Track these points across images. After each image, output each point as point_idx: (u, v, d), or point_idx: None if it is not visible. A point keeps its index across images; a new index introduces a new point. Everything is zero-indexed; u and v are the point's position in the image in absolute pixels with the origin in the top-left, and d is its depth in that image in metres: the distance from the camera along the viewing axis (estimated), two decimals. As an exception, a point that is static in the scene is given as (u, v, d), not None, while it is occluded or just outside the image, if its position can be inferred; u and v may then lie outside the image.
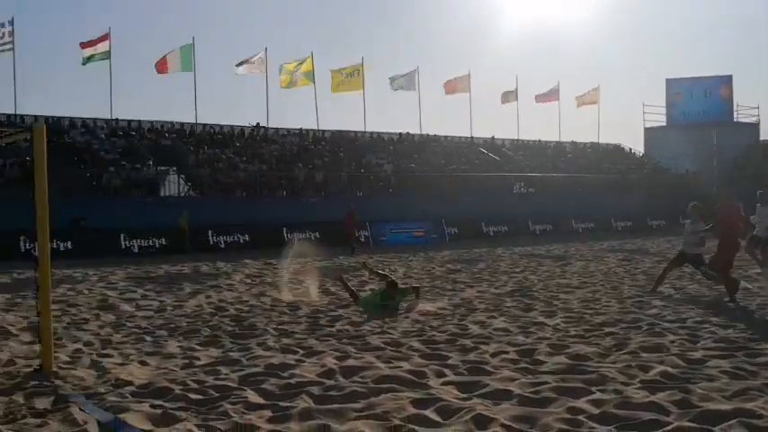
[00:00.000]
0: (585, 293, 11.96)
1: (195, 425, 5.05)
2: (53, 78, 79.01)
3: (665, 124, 49.85)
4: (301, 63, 36.69)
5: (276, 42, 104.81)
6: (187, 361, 7.20)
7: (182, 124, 33.43)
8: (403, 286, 11.36)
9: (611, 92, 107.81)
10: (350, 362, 6.95)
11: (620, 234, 31.73)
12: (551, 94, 45.02)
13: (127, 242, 23.32)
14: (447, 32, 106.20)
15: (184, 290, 13.40)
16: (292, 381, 6.20)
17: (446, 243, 27.74)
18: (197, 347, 7.94)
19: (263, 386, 6.04)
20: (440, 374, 6.41)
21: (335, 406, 5.41)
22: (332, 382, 6.14)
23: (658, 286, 12.01)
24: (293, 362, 6.98)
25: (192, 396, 5.78)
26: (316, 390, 5.88)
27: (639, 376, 6.15)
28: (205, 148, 30.62)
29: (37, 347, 6.97)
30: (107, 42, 32.29)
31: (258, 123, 35.45)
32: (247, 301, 11.71)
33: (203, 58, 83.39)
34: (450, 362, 6.90)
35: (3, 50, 30.29)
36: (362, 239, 25.94)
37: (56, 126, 28.69)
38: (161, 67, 33.66)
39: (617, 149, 47.38)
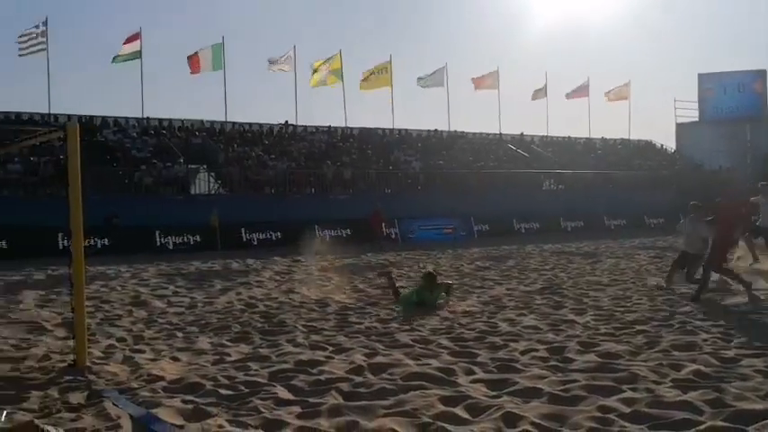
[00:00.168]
0: (616, 291, 11.85)
1: (226, 420, 5.11)
2: (86, 78, 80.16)
3: (697, 120, 49.13)
4: (330, 61, 36.79)
5: (304, 40, 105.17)
6: (218, 357, 7.27)
7: (212, 123, 33.72)
8: (440, 281, 11.30)
9: (642, 88, 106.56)
10: (378, 359, 6.97)
11: (652, 231, 31.31)
12: (581, 91, 44.62)
13: (162, 239, 23.58)
14: (476, 29, 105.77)
15: (215, 286, 13.52)
16: (321, 377, 6.24)
17: (475, 240, 27.62)
18: (227, 344, 8.01)
19: (292, 382, 6.08)
20: (469, 372, 6.40)
21: (364, 403, 5.43)
22: (361, 379, 6.17)
23: (670, 285, 11.79)
24: (322, 358, 7.02)
25: (223, 392, 5.84)
26: (345, 386, 5.91)
27: (671, 375, 6.08)
28: (235, 147, 30.84)
29: (71, 343, 7.10)
30: (138, 42, 32.65)
31: (287, 121, 35.67)
32: (276, 298, 11.78)
33: (232, 56, 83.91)
34: (479, 359, 6.89)
35: (37, 50, 30.75)
36: (385, 237, 25.88)
37: (88, 125, 29.09)
38: (194, 66, 33.94)
39: (648, 146, 46.79)
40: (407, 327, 8.85)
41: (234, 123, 34.24)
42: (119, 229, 22.79)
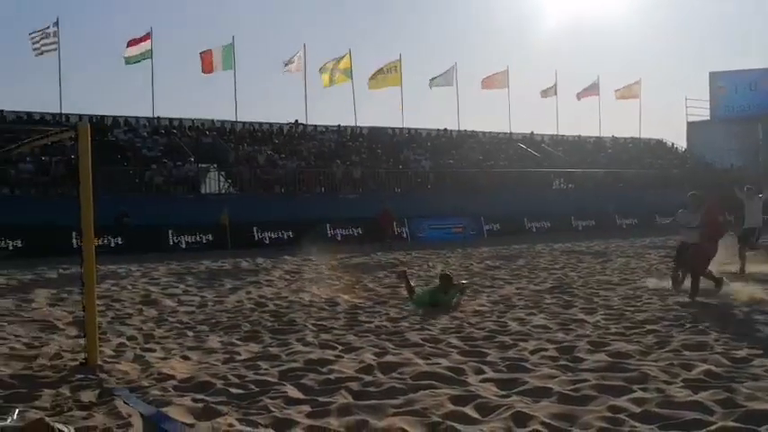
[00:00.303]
0: (626, 290, 11.80)
1: (236, 419, 5.12)
2: (97, 78, 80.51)
3: (708, 118, 48.87)
4: (340, 60, 36.81)
5: (314, 40, 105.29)
6: (228, 356, 7.29)
7: (222, 122, 33.81)
8: (456, 282, 11.29)
9: (652, 86, 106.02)
10: (388, 358, 6.97)
11: (664, 230, 31.13)
12: (591, 89, 44.47)
13: (174, 238, 23.68)
14: (485, 28, 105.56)
15: (225, 285, 13.56)
16: (331, 376, 6.24)
17: (485, 239, 27.60)
18: (237, 342, 8.04)
19: (302, 381, 6.09)
20: (478, 371, 6.39)
21: (374, 402, 5.44)
22: (370, 378, 6.17)
23: (679, 287, 11.56)
24: (332, 357, 7.03)
25: (233, 390, 5.86)
26: (354, 385, 5.91)
27: (682, 375, 6.05)
28: (244, 146, 30.92)
29: (82, 341, 7.13)
30: (149, 42, 32.76)
31: (297, 120, 35.72)
32: (286, 297, 11.80)
33: (242, 56, 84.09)
34: (488, 359, 6.88)
35: (48, 51, 30.90)
36: (396, 236, 25.92)
37: (99, 125, 29.23)
38: (206, 65, 34.05)
39: (659, 144, 46.59)
40: (417, 326, 8.85)
41: (244, 123, 34.33)
42: (132, 229, 22.91)
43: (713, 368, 6.20)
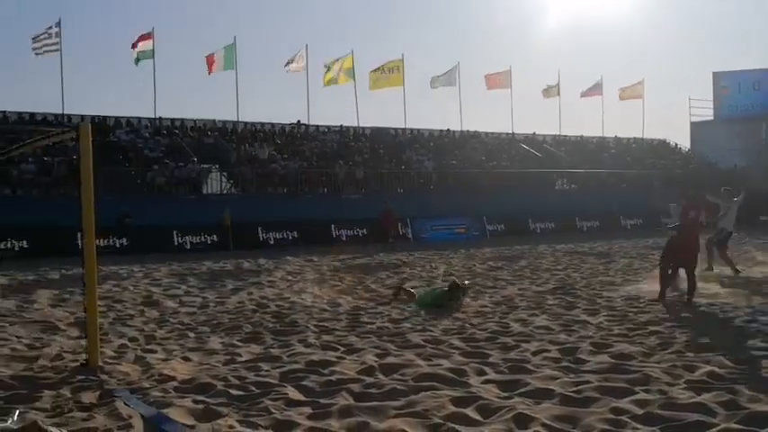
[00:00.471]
0: (629, 291, 11.77)
1: (236, 420, 5.11)
2: (99, 78, 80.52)
3: (711, 118, 48.78)
4: (342, 60, 36.79)
5: (316, 40, 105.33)
6: (229, 357, 7.28)
7: (224, 122, 33.82)
8: (462, 286, 11.27)
9: (656, 86, 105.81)
10: (390, 359, 6.96)
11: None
12: (595, 89, 44.38)
13: (179, 239, 23.68)
14: (488, 28, 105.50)
15: (227, 286, 13.55)
16: (332, 378, 6.23)
17: (488, 240, 27.56)
18: (239, 344, 8.03)
19: (303, 383, 6.08)
20: (480, 373, 6.38)
21: (375, 403, 5.42)
22: (372, 380, 6.15)
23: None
24: (333, 359, 7.02)
25: (234, 392, 5.85)
26: (356, 387, 5.90)
27: (685, 376, 6.03)
28: (246, 146, 30.92)
29: (84, 342, 7.12)
30: (150, 41, 32.76)
31: (299, 121, 35.71)
32: (288, 298, 11.79)
33: (244, 56, 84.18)
34: (490, 360, 6.87)
35: (50, 51, 30.90)
36: (399, 237, 25.92)
37: (101, 125, 29.23)
38: (210, 67, 34.11)
39: (662, 144, 46.50)
40: (420, 327, 8.83)
41: (246, 123, 34.33)
42: (136, 229, 22.91)
43: (716, 370, 6.18)
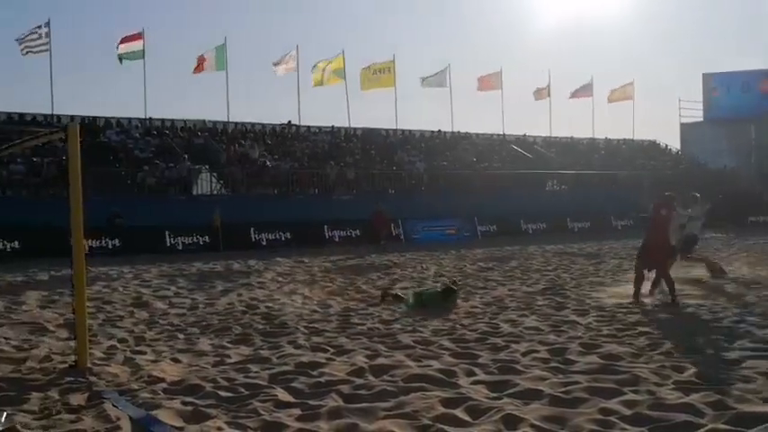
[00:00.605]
0: (619, 291, 11.80)
1: (225, 422, 5.10)
2: (89, 79, 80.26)
3: (701, 120, 49.03)
4: (332, 61, 36.74)
5: (308, 40, 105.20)
6: (218, 359, 7.26)
7: (214, 123, 33.74)
8: (454, 286, 11.30)
9: (646, 87, 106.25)
10: (380, 360, 6.96)
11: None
12: (585, 90, 44.49)
13: (172, 240, 23.62)
14: (479, 29, 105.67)
15: (216, 288, 13.51)
16: (322, 379, 6.22)
17: (479, 240, 27.61)
18: (228, 345, 8.00)
19: (292, 384, 6.07)
20: (470, 373, 6.38)
21: (365, 405, 5.42)
22: (362, 381, 6.15)
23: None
24: (323, 360, 7.01)
25: (223, 394, 5.83)
26: (345, 388, 5.89)
27: (673, 377, 6.05)
28: (237, 147, 30.86)
29: (73, 344, 7.09)
30: (141, 42, 32.63)
31: (290, 121, 35.66)
32: (278, 300, 11.77)
33: (235, 56, 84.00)
34: (480, 361, 6.87)
35: (39, 51, 30.75)
36: (392, 237, 25.91)
37: (91, 126, 29.13)
38: (200, 66, 34.02)
39: (652, 145, 46.70)
40: (410, 328, 8.83)
41: (236, 123, 34.25)
42: (129, 230, 22.81)
43: (704, 370, 6.20)
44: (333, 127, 36.45)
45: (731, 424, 4.73)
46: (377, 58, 38.29)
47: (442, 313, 9.88)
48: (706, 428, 4.67)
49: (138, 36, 32.68)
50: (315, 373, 6.47)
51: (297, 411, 5.32)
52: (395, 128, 38.25)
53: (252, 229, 24.88)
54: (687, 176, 38.18)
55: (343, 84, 37.01)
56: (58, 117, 29.58)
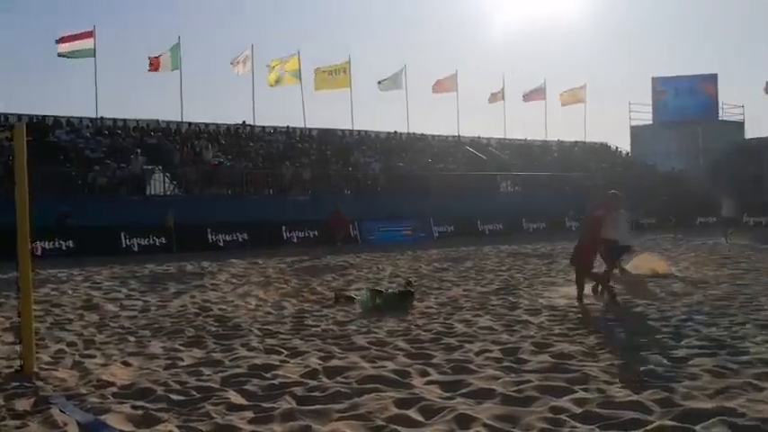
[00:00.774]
0: (570, 292, 11.95)
1: (176, 426, 5.02)
2: (38, 78, 78.46)
3: (651, 123, 50.05)
4: (287, 61, 36.47)
5: (263, 40, 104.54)
6: (170, 362, 7.15)
7: (167, 122, 33.26)
8: (409, 287, 11.34)
9: (597, 90, 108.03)
10: (334, 362, 6.94)
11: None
12: (538, 93, 45.03)
13: (127, 241, 23.20)
14: (435, 31, 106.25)
15: (169, 290, 13.31)
16: (275, 381, 6.18)
17: (434, 241, 27.75)
18: (180, 348, 7.89)
19: (245, 387, 6.01)
20: (423, 374, 6.40)
21: (318, 407, 5.39)
22: (315, 383, 6.12)
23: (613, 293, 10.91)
24: (277, 362, 6.96)
25: (174, 397, 5.75)
26: (299, 390, 5.86)
27: (622, 375, 6.16)
28: (190, 147, 30.49)
29: (18, 348, 6.92)
30: (91, 40, 31.93)
31: (244, 122, 35.36)
32: (232, 302, 11.65)
33: (189, 56, 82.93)
34: (434, 361, 6.90)
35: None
36: (349, 239, 25.92)
37: (40, 125, 28.49)
38: (154, 67, 33.45)
39: (603, 147, 47.54)
40: (364, 329, 8.82)
41: (190, 123, 33.82)
42: (81, 231, 22.30)
43: (653, 368, 6.32)
44: (288, 127, 36.24)
45: (678, 420, 4.82)
46: (333, 59, 38.15)
47: (398, 314, 9.89)
48: (654, 425, 4.76)
49: (89, 34, 31.98)
50: (268, 375, 6.42)
51: (250, 414, 5.27)
52: (351, 128, 38.22)
53: (209, 230, 24.59)
54: (637, 178, 39.00)
55: (298, 84, 36.82)
56: (6, 116, 28.81)
